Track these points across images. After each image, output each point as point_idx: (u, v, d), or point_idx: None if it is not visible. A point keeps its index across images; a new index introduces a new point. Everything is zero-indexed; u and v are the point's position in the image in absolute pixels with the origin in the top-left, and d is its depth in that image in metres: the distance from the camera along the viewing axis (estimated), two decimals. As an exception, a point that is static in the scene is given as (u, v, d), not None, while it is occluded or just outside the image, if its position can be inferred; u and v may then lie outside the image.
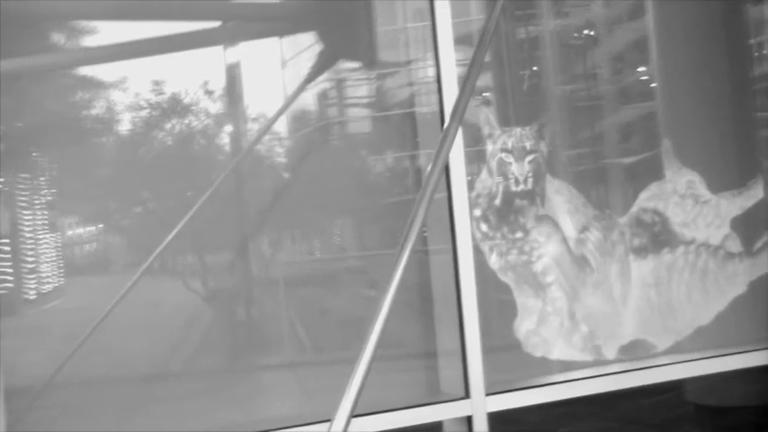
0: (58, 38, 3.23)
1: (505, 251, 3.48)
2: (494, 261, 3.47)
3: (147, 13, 3.29)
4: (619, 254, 3.71)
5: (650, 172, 3.87)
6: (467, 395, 3.21)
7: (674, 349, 3.76)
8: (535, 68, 4.00)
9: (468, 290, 3.24)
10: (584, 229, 3.66)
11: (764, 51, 4.38)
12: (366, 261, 3.54)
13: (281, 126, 3.43)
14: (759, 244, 3.96)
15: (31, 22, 3.13)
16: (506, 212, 3.49)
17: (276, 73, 3.42)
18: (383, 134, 3.59)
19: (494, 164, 3.48)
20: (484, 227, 3.44)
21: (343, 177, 3.52)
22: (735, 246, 3.93)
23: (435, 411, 3.18)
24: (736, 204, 3.96)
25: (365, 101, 3.71)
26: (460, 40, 3.57)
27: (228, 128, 3.35)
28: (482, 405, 3.21)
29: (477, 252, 3.39)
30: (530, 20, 3.99)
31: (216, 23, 3.45)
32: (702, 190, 3.91)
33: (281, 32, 3.46)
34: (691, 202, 3.88)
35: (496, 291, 3.50)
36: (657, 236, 3.80)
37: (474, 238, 3.35)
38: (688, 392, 4.71)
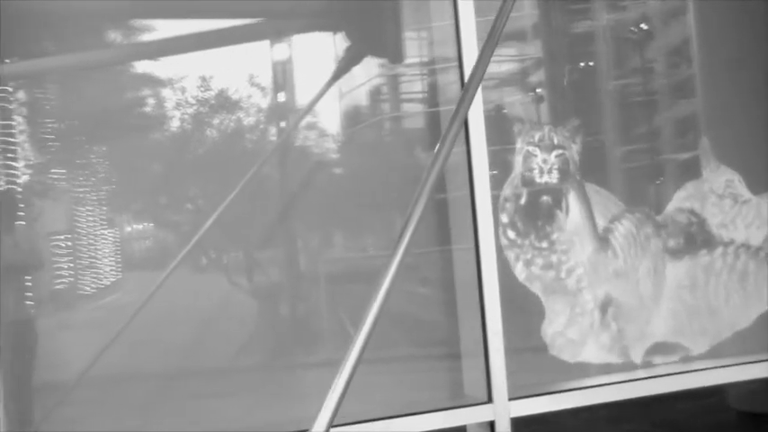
0: (111, 35, 3.26)
1: (531, 258, 3.42)
2: (520, 270, 3.41)
3: (200, 11, 3.31)
4: (653, 255, 3.62)
5: (687, 171, 3.77)
6: (489, 399, 3.16)
7: (711, 354, 3.65)
8: (572, 66, 3.93)
9: (492, 291, 3.18)
10: (616, 230, 3.58)
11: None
12: (418, 258, 3.48)
13: (333, 123, 3.42)
14: (803, 245, 3.83)
15: (84, 19, 3.17)
16: (535, 213, 3.43)
17: (329, 69, 3.40)
18: (435, 130, 3.55)
19: (520, 158, 3.43)
20: (511, 233, 3.39)
21: (394, 173, 3.49)
22: (776, 247, 3.82)
23: (457, 416, 3.13)
24: (778, 205, 3.84)
25: (419, 96, 3.68)
26: (513, 36, 3.54)
27: (281, 124, 3.35)
28: (505, 410, 3.15)
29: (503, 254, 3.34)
30: (573, 16, 3.92)
31: (268, 19, 3.46)
32: (742, 189, 3.81)
33: (322, 28, 3.44)
34: (729, 202, 3.78)
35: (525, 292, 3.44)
36: (694, 236, 3.70)
37: (500, 242, 3.31)
38: (730, 398, 4.60)
